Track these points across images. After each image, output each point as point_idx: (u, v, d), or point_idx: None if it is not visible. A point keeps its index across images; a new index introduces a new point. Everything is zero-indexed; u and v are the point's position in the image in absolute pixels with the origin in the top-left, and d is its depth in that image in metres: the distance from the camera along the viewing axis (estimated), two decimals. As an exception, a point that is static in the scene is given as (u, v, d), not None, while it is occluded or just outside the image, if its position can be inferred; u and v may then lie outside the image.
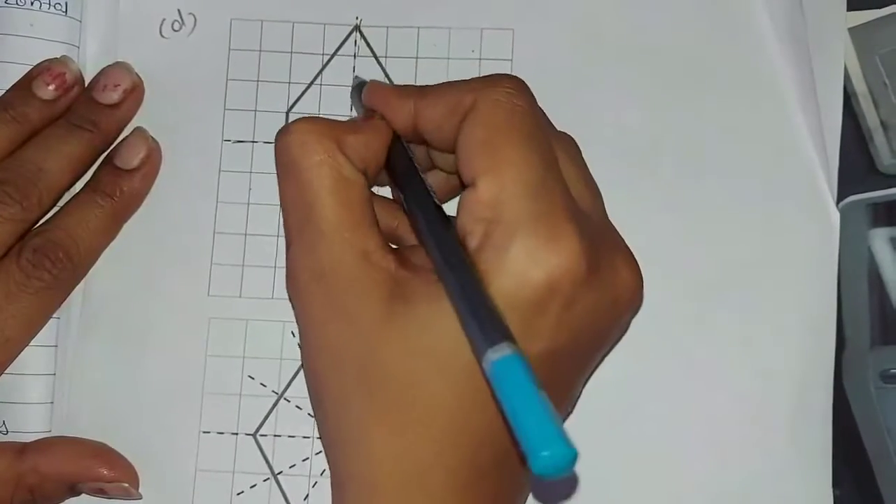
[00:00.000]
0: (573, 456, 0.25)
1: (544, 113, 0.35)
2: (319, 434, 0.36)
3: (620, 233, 0.35)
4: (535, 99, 0.33)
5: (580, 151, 0.36)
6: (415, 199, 0.33)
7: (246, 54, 0.42)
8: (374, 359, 0.31)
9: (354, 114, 0.41)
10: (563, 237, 0.30)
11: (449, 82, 0.34)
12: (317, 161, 0.33)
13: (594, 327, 0.32)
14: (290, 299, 0.34)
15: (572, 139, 0.36)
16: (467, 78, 0.35)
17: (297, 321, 0.35)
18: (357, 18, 0.42)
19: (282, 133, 0.34)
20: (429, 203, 0.33)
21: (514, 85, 0.33)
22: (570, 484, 0.39)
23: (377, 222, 0.33)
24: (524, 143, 0.31)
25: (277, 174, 0.34)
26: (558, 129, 0.36)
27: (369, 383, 0.31)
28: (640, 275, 0.34)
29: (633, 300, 0.33)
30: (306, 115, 0.36)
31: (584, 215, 0.32)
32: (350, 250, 0.32)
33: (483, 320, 0.28)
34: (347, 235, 0.32)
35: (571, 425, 0.38)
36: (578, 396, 0.37)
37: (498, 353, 0.27)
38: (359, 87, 0.38)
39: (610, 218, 0.35)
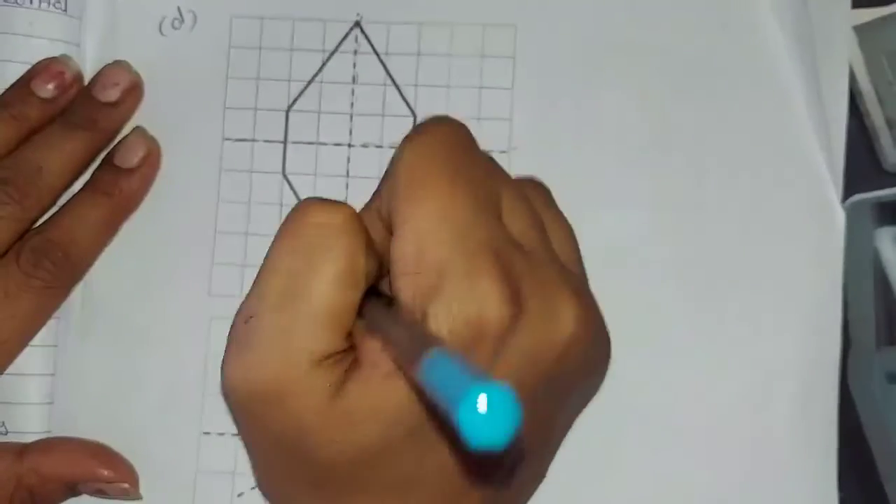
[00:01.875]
0: (511, 414, 0.21)
1: (490, 157, 0.33)
2: None
3: (623, 232, 0.35)
4: (467, 140, 0.32)
5: (545, 192, 0.36)
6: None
7: (246, 52, 0.41)
8: (317, 455, 0.30)
9: (354, 110, 0.41)
10: (484, 280, 0.28)
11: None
12: (344, 254, 0.30)
13: (537, 369, 0.30)
14: (226, 382, 0.31)
15: (533, 181, 0.36)
16: (469, 78, 0.34)
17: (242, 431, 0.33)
18: (357, 15, 0.41)
19: (319, 203, 0.31)
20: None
21: (443, 129, 0.31)
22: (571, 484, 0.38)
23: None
24: (445, 184, 0.29)
25: (287, 233, 0.31)
26: (562, 126, 0.36)
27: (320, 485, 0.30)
28: (590, 318, 0.32)
29: (577, 343, 0.31)
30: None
31: (519, 255, 0.30)
32: (317, 349, 0.29)
33: (414, 338, 0.27)
34: (326, 334, 0.29)
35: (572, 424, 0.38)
36: (553, 450, 0.37)
37: (426, 357, 0.25)
38: None
39: (610, 217, 0.35)
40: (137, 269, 0.40)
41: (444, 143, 0.31)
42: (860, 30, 0.40)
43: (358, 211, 0.32)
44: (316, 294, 0.29)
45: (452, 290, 0.28)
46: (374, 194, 0.33)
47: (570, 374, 0.32)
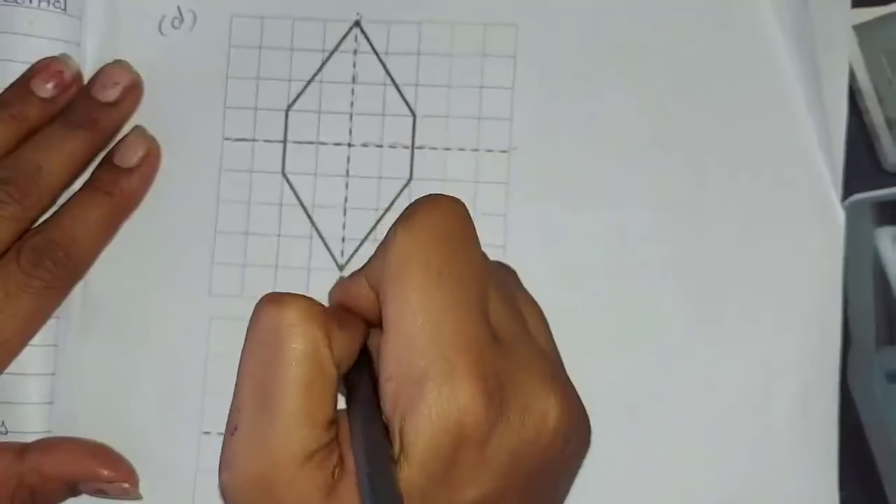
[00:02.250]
0: None
1: (476, 239, 0.32)
2: None
3: (623, 231, 0.35)
4: (461, 227, 0.31)
5: (514, 274, 0.36)
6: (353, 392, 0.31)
7: (246, 51, 0.41)
8: None
9: (354, 109, 0.41)
10: (465, 385, 0.28)
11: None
12: (301, 350, 0.29)
13: (524, 464, 0.30)
14: (223, 492, 0.31)
15: (501, 264, 0.36)
16: (469, 78, 0.33)
17: None
18: (357, 14, 0.41)
19: (271, 303, 0.30)
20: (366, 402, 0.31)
21: (434, 218, 0.31)
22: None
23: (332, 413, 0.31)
24: (430, 284, 0.29)
25: (249, 339, 0.31)
26: (563, 125, 0.36)
27: None
28: (572, 407, 0.31)
29: (560, 435, 0.31)
30: (294, 293, 0.31)
31: (501, 352, 0.30)
32: (296, 454, 0.29)
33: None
34: (305, 432, 0.29)
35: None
36: None
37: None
38: None
39: (611, 217, 0.35)
40: (137, 269, 0.40)
41: (437, 232, 0.30)
42: (860, 29, 0.40)
43: (348, 276, 0.32)
44: (286, 397, 0.29)
45: (433, 397, 0.28)
46: (367, 261, 0.32)
47: (556, 463, 0.32)
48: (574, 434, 0.32)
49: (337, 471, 0.29)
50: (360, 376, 0.32)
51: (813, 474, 0.38)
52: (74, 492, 0.38)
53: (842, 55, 0.40)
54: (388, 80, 0.41)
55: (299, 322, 0.30)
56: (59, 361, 0.39)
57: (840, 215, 0.39)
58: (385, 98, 0.41)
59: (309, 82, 0.41)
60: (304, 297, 0.31)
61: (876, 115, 0.40)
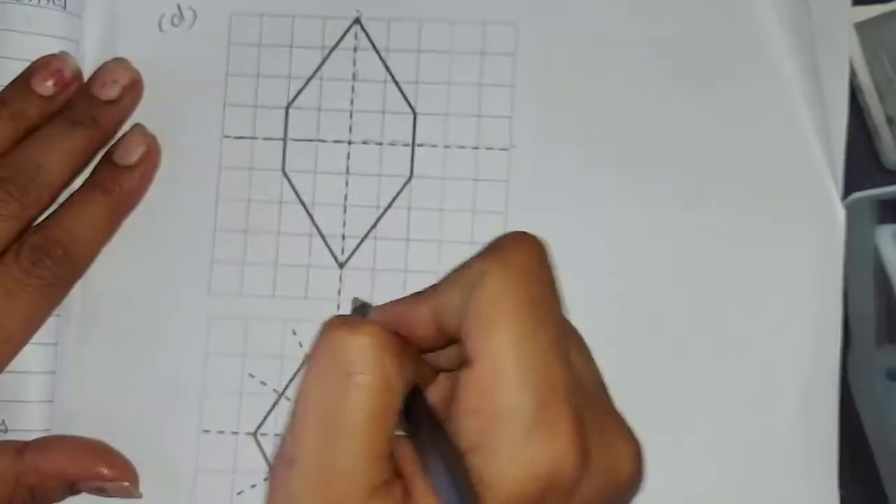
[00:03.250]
0: None
1: (554, 277, 0.31)
2: None
3: (623, 231, 0.35)
4: (550, 267, 0.31)
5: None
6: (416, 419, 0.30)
7: (246, 49, 0.41)
8: None
9: (354, 107, 0.41)
10: (561, 431, 0.28)
11: (461, 264, 0.31)
12: (375, 382, 0.28)
13: None
14: None
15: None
16: (470, 75, 0.33)
17: None
18: (357, 11, 0.41)
19: (343, 328, 0.29)
20: (435, 433, 0.29)
21: (529, 256, 0.30)
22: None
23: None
24: (536, 322, 0.29)
25: (315, 365, 0.29)
26: (563, 123, 0.36)
27: None
28: (640, 452, 0.31)
29: (632, 479, 0.31)
30: (374, 320, 0.30)
31: (584, 398, 0.30)
32: (362, 487, 0.28)
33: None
34: (372, 466, 0.28)
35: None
36: None
37: None
38: (360, 308, 0.34)
39: (610, 216, 0.35)
40: (137, 267, 0.40)
41: (530, 271, 0.29)
42: (861, 27, 0.40)
43: (402, 301, 0.31)
44: (357, 431, 0.28)
45: (525, 439, 0.27)
46: (429, 288, 0.31)
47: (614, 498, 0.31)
48: (640, 480, 0.32)
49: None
50: (417, 405, 0.30)
51: (813, 473, 0.38)
52: (74, 490, 0.38)
53: (842, 53, 0.40)
54: (389, 77, 0.41)
55: (374, 351, 0.28)
56: (59, 360, 0.39)
57: (840, 214, 0.39)
58: (385, 95, 0.41)
59: (309, 79, 0.41)
60: (376, 323, 0.29)
61: (877, 114, 0.40)
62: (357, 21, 0.41)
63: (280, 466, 0.29)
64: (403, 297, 0.32)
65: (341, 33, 0.41)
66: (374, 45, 0.41)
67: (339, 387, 0.28)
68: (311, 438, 0.28)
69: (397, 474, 0.28)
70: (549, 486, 0.28)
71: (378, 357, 0.28)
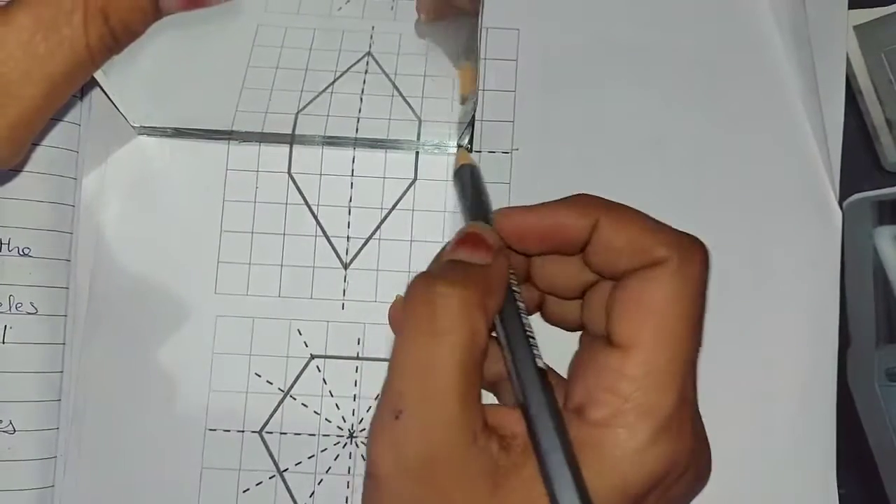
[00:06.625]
0: None
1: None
2: None
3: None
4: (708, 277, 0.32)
5: None
6: (523, 371, 0.32)
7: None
8: None
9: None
10: (685, 434, 0.30)
11: (635, 212, 0.33)
12: (461, 334, 0.30)
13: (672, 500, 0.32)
14: (380, 478, 0.30)
15: None
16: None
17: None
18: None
19: (426, 285, 0.31)
20: (537, 382, 0.31)
21: (706, 269, 0.32)
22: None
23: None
24: (694, 329, 0.31)
25: (407, 321, 0.31)
26: (564, 127, 0.36)
27: None
28: (710, 456, 0.33)
29: (707, 476, 0.33)
30: (449, 271, 0.32)
31: (696, 405, 0.32)
32: (463, 433, 0.30)
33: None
34: (465, 415, 0.30)
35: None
36: None
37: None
38: (459, 172, 0.35)
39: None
40: (144, 267, 0.40)
41: (704, 287, 0.31)
42: (860, 29, 0.40)
43: (550, 205, 0.33)
44: (449, 384, 0.30)
45: (654, 436, 0.30)
46: (561, 206, 0.33)
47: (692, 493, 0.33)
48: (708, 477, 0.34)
49: (501, 454, 0.30)
50: (522, 348, 0.32)
51: (812, 472, 0.38)
52: (159, 11, 0.30)
53: (839, 56, 0.40)
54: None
55: (456, 305, 0.30)
56: (67, 359, 0.40)
57: (837, 215, 0.40)
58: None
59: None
60: (455, 275, 0.31)
61: (876, 116, 0.40)
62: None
63: (385, 419, 0.30)
64: (571, 202, 0.34)
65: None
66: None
67: (431, 345, 0.30)
68: (413, 393, 0.30)
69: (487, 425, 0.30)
70: (659, 480, 0.30)
71: (464, 315, 0.30)
